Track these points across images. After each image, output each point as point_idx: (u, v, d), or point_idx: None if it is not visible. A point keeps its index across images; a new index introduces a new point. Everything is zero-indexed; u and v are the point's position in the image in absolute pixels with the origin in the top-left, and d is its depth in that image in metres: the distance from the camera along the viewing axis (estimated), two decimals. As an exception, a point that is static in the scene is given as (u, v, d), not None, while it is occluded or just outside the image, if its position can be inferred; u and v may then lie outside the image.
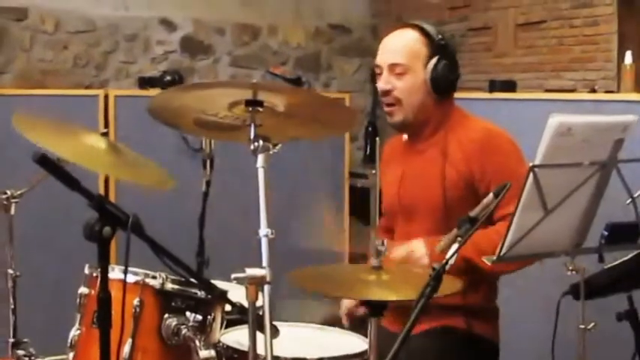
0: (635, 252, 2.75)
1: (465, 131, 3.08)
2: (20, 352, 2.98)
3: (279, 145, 2.47)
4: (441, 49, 3.08)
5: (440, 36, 3.10)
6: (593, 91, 4.30)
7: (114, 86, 6.31)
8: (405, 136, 3.22)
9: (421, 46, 3.08)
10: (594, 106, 3.80)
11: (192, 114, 2.58)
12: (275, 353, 2.28)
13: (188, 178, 3.54)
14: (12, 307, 3.31)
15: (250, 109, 2.45)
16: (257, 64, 6.87)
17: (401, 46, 3.11)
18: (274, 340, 2.28)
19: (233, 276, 2.26)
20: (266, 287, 2.28)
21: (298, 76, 5.17)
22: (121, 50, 6.47)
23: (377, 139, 2.72)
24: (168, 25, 6.61)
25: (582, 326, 2.56)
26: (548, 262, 2.77)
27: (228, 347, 2.70)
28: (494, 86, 4.29)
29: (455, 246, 2.25)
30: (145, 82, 5.03)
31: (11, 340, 3.29)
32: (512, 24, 6.01)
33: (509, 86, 4.46)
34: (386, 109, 3.14)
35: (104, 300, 2.23)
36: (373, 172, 6.32)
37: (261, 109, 2.45)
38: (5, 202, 3.27)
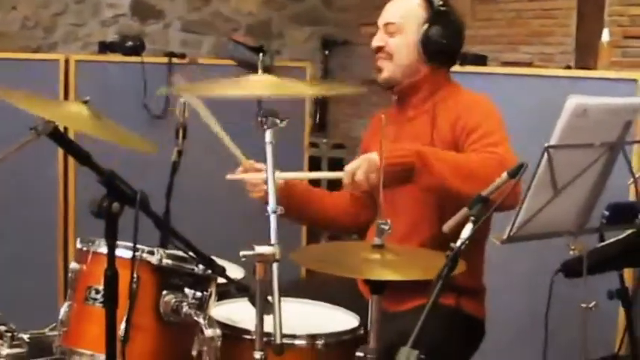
0: (628, 231, 2.76)
1: (454, 102, 3.10)
2: (1, 328, 2.87)
3: (287, 120, 2.42)
4: (439, 15, 3.12)
5: (441, 2, 3.14)
6: (568, 67, 4.30)
7: (63, 50, 6.17)
8: (394, 100, 3.19)
9: (419, 9, 3.14)
10: (570, 83, 3.81)
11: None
12: (265, 329, 2.28)
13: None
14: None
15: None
16: (208, 30, 6.79)
17: (397, 7, 3.19)
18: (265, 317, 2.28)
19: (242, 253, 2.23)
20: (274, 265, 2.25)
21: (261, 44, 5.09)
22: (70, 12, 6.32)
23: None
24: (118, -13, 6.50)
25: (584, 305, 2.56)
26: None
27: (220, 323, 2.63)
28: (465, 60, 4.25)
29: (469, 225, 2.23)
30: (105, 47, 4.90)
31: (-19, 314, 3.21)
32: (470, -4, 6.01)
33: (480, 60, 4.44)
34: (377, 64, 3.18)
35: (111, 278, 2.16)
36: (324, 140, 6.27)
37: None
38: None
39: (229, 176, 3.13)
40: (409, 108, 3.17)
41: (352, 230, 3.48)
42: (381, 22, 3.20)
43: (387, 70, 3.16)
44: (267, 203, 2.67)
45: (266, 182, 2.41)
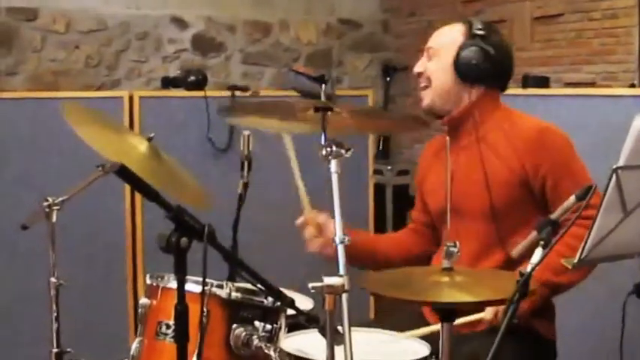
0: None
1: (513, 128, 3.02)
2: (74, 364, 2.91)
3: (352, 150, 2.41)
4: (475, 38, 3.06)
5: (480, 26, 3.08)
6: (632, 85, 4.26)
7: (126, 86, 6.25)
8: (446, 130, 3.16)
9: (459, 34, 3.10)
10: (635, 101, 3.75)
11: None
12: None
13: (214, 180, 3.49)
14: (55, 315, 3.25)
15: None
16: (269, 62, 6.84)
17: (440, 33, 3.18)
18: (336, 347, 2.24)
19: (310, 285, 2.21)
20: (344, 296, 2.23)
21: (322, 74, 5.08)
22: (132, 49, 6.42)
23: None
24: (179, 23, 6.58)
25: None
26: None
27: (290, 355, 2.63)
28: (527, 82, 4.22)
29: (539, 250, 2.20)
30: (168, 83, 4.94)
31: (55, 349, 3.23)
32: (529, 17, 5.97)
33: (542, 81, 4.39)
34: (419, 92, 3.18)
35: (182, 312, 2.16)
36: (389, 167, 6.25)
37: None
38: (47, 210, 3.21)
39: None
40: (462, 137, 3.11)
41: (410, 263, 3.47)
42: (424, 48, 3.21)
43: (427, 97, 3.12)
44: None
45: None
